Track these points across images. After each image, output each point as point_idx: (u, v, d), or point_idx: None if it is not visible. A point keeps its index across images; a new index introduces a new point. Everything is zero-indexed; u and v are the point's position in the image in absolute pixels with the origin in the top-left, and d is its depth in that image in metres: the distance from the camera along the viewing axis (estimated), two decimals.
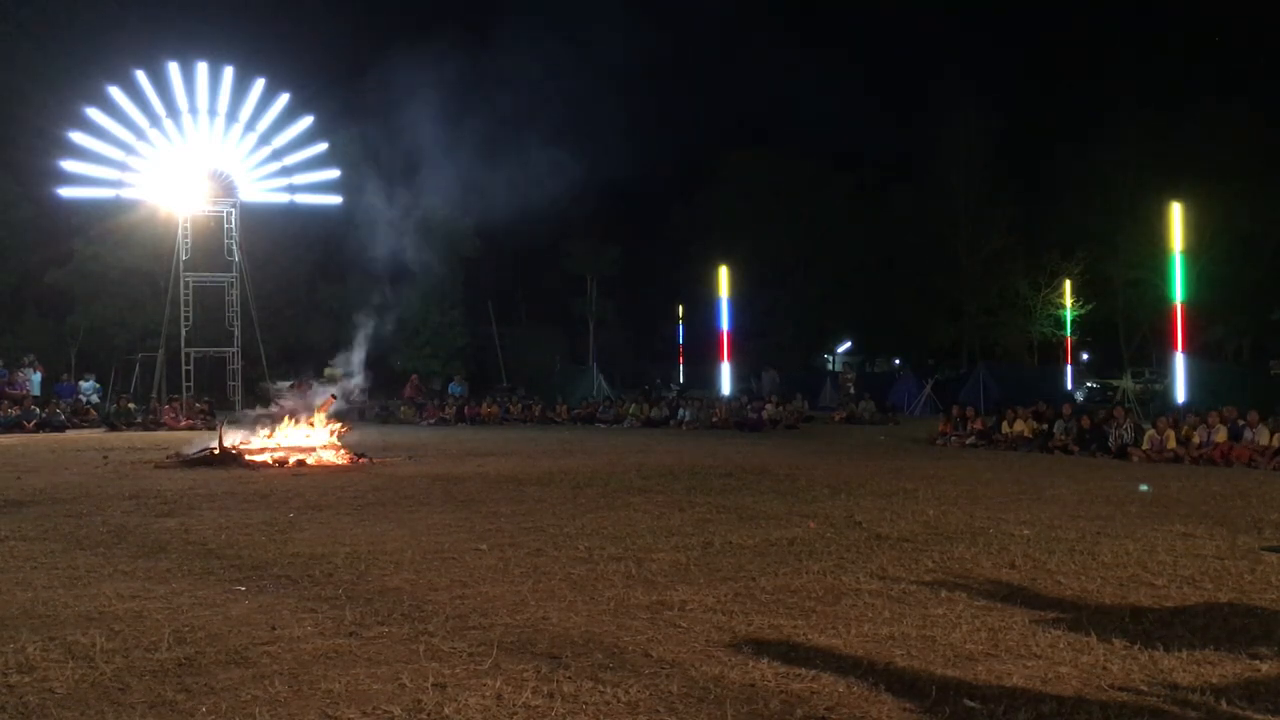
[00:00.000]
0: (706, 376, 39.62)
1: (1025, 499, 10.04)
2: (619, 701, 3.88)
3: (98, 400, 26.86)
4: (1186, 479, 12.03)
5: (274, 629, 4.91)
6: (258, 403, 19.72)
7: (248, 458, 13.47)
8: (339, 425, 15.47)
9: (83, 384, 27.87)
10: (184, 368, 28.51)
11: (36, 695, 3.97)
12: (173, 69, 28.04)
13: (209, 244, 29.10)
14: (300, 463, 13.51)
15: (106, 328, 35.42)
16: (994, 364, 35.58)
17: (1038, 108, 47.64)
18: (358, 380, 23.19)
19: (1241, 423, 14.49)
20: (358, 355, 19.86)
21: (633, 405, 26.87)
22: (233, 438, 14.25)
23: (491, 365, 41.12)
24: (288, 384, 26.26)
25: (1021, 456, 15.78)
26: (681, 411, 25.37)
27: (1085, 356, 49.59)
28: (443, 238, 38.28)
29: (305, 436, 14.56)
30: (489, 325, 42.63)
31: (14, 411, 22.89)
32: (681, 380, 45.79)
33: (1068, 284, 41.28)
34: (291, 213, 31.39)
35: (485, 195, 29.60)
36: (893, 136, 57.86)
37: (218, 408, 25.75)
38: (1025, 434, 17.30)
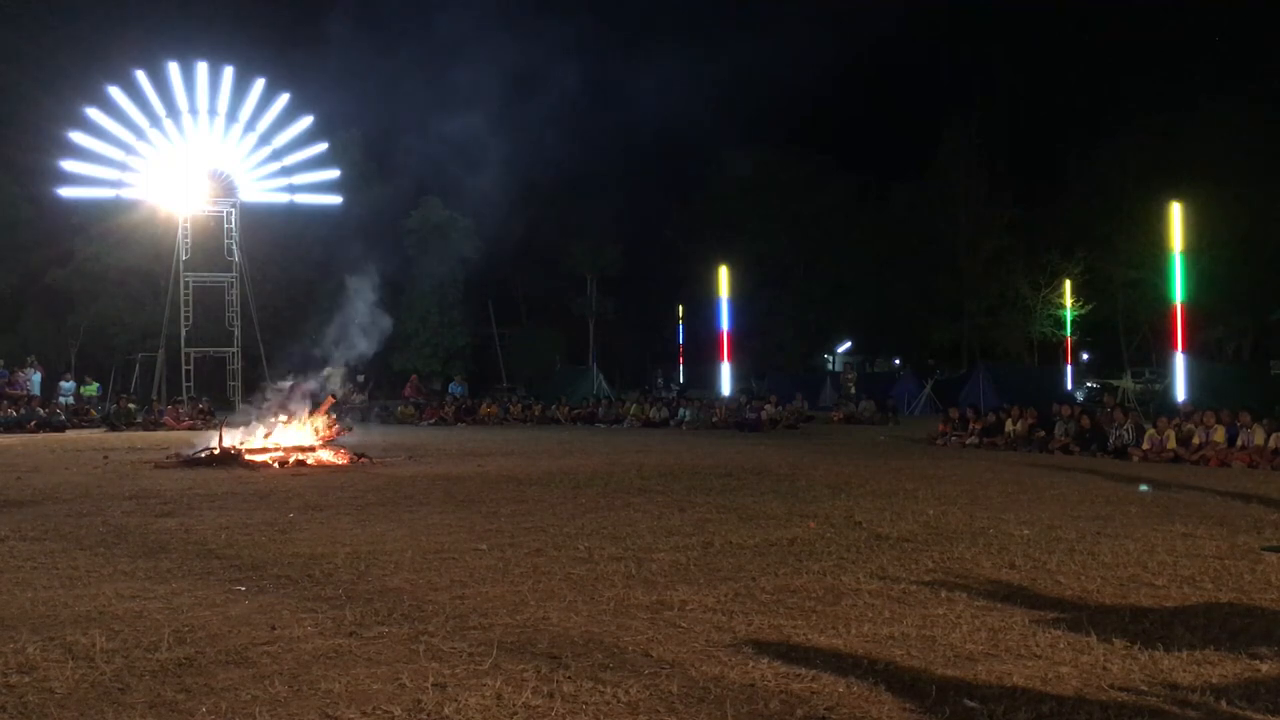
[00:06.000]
0: (707, 376, 39.64)
1: (1025, 499, 10.02)
2: (619, 701, 3.88)
3: (73, 401, 26.64)
4: (1186, 479, 12.03)
5: (274, 629, 4.91)
6: (254, 403, 19.80)
7: (247, 458, 13.48)
8: (336, 424, 15.45)
9: (63, 384, 27.65)
10: (184, 368, 28.52)
11: (36, 695, 3.97)
12: (173, 69, 28.07)
13: (209, 244, 29.12)
14: (300, 463, 13.51)
15: (106, 328, 35.44)
16: (994, 364, 35.57)
17: (1038, 108, 47.68)
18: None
19: (1238, 424, 14.47)
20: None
21: (633, 405, 26.85)
22: (232, 437, 14.25)
23: (491, 365, 41.16)
24: (288, 384, 26.23)
25: (1021, 456, 15.76)
26: (681, 411, 25.36)
27: (1085, 356, 49.59)
28: (443, 238, 38.33)
29: (298, 433, 14.54)
30: (489, 325, 42.66)
31: (14, 411, 22.89)
32: (681, 380, 45.79)
33: (1068, 284, 41.28)
34: (291, 213, 31.40)
35: (486, 194, 29.60)
36: (893, 136, 57.92)
37: (218, 408, 25.75)
38: (1025, 434, 17.30)
